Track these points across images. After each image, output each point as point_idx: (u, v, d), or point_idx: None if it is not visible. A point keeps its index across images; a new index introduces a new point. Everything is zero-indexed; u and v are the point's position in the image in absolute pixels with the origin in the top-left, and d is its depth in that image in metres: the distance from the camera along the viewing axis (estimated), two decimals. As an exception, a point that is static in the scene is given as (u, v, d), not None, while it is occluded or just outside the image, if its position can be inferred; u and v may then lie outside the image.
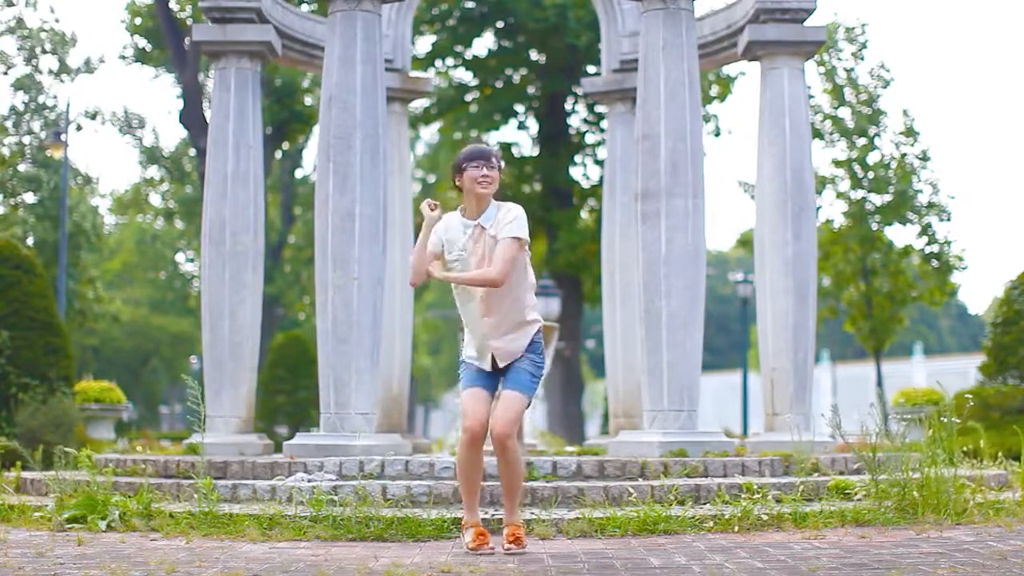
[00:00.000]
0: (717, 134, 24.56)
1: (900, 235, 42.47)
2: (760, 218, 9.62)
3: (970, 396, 7.79)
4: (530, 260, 5.19)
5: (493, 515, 5.95)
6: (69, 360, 12.46)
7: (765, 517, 5.95)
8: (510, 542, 5.00)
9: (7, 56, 27.28)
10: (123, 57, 27.72)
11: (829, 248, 22.45)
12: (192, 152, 29.07)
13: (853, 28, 23.43)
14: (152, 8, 25.17)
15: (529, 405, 5.15)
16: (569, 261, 23.37)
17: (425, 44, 24.50)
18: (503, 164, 5.13)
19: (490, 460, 7.02)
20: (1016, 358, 12.67)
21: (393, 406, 10.72)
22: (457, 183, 5.09)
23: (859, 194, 22.94)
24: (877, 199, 22.90)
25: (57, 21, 28.44)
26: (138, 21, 26.87)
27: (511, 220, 4.98)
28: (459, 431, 5.08)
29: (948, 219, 22.85)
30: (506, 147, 25.60)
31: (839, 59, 23.33)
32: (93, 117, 29.52)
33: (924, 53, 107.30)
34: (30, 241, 25.51)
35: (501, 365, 5.04)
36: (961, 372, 30.35)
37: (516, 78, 24.87)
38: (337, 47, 8.44)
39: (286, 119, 27.32)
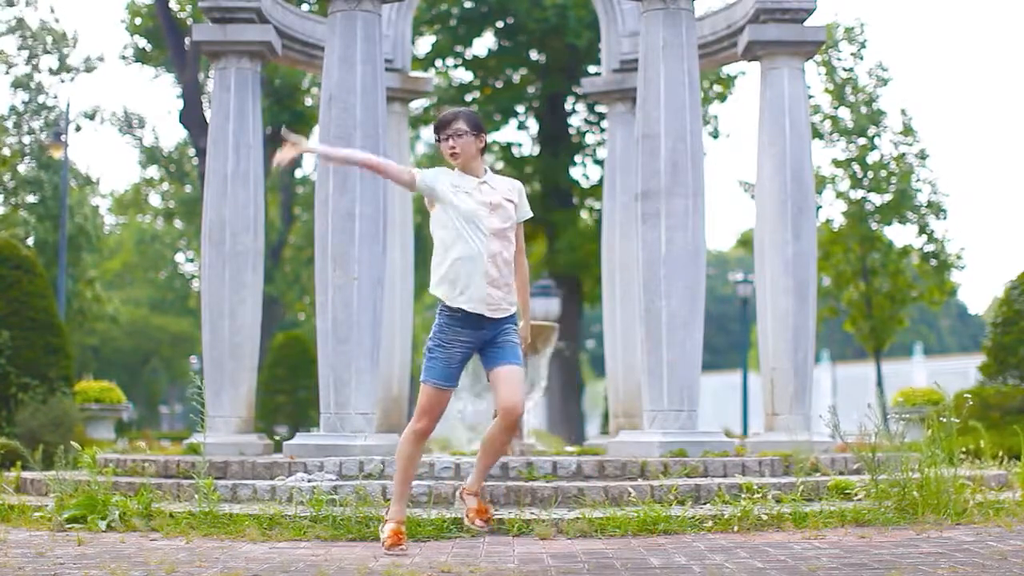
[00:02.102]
0: (715, 136, 24.57)
1: (899, 235, 42.48)
2: (760, 218, 9.62)
3: (970, 396, 7.79)
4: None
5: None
6: (69, 360, 12.46)
7: (765, 517, 5.95)
8: (483, 519, 5.05)
9: (7, 56, 27.28)
10: (123, 57, 27.72)
11: (829, 248, 22.45)
12: (192, 152, 29.07)
13: (853, 28, 23.44)
14: (152, 8, 25.18)
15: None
16: (569, 261, 23.36)
17: (425, 44, 24.50)
18: (475, 123, 5.16)
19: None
20: (1016, 358, 12.67)
21: (393, 406, 10.73)
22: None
23: (859, 194, 22.94)
24: (877, 199, 22.90)
25: (57, 21, 28.36)
26: (138, 21, 26.87)
27: (522, 199, 5.18)
28: (414, 423, 5.04)
29: (945, 217, 22.86)
30: (506, 147, 25.59)
31: (839, 59, 23.33)
32: (92, 117, 29.51)
33: (923, 53, 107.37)
34: (30, 241, 25.51)
35: (493, 316, 4.99)
36: (961, 372, 30.31)
37: (516, 78, 24.86)
38: (337, 47, 8.45)
39: (286, 119, 27.31)
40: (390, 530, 5.01)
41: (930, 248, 22.76)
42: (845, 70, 23.23)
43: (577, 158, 24.94)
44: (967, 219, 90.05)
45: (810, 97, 20.64)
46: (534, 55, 24.37)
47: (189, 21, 23.28)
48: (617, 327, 10.82)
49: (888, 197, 22.69)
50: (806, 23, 9.45)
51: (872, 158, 22.96)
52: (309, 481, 6.84)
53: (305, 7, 22.20)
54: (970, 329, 59.82)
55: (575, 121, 25.16)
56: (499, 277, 5.00)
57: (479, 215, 5.00)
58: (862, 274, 22.80)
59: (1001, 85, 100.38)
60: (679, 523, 5.85)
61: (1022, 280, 13.09)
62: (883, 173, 22.77)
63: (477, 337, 5.02)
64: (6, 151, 26.52)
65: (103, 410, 13.59)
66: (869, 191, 22.86)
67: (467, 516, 5.13)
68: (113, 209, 40.61)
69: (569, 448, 10.51)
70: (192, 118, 22.63)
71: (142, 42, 27.36)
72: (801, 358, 9.24)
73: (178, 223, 37.67)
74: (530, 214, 5.22)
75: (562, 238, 23.42)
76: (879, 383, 23.46)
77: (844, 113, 23.17)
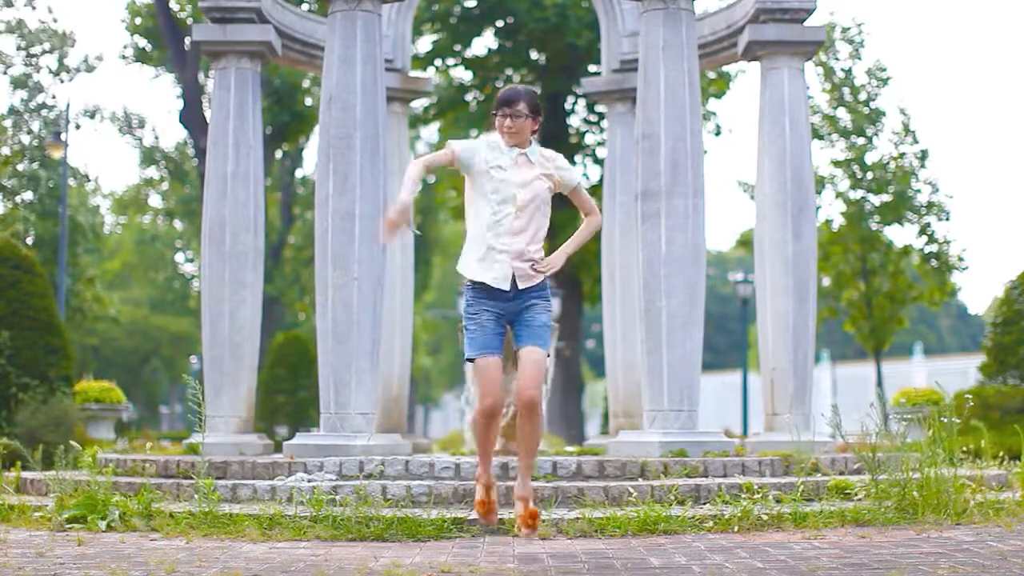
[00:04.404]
0: (718, 133, 24.55)
1: (899, 235, 42.40)
2: (760, 217, 9.62)
3: (970, 396, 7.79)
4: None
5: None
6: (69, 360, 12.46)
7: (765, 517, 5.95)
8: (527, 526, 4.92)
9: (6, 56, 27.27)
10: (123, 57, 27.72)
11: (829, 248, 22.43)
12: (192, 152, 29.07)
13: (850, 28, 23.43)
14: (152, 8, 25.17)
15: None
16: (569, 261, 23.33)
17: (425, 44, 24.50)
18: (535, 106, 5.13)
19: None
20: (1016, 358, 12.67)
21: (393, 406, 10.72)
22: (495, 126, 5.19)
23: (858, 194, 22.93)
24: (876, 199, 22.90)
25: (55, 21, 28.31)
26: (138, 21, 26.86)
27: (567, 167, 5.18)
28: (475, 404, 5.02)
29: (947, 219, 22.85)
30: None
31: (836, 59, 23.32)
32: (92, 116, 29.51)
33: (922, 52, 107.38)
34: (30, 240, 25.48)
35: (522, 286, 4.96)
36: (961, 372, 30.31)
37: (516, 78, 24.85)
38: (337, 47, 8.45)
39: (286, 119, 27.31)
40: (477, 499, 5.08)
41: (931, 249, 22.74)
42: (843, 71, 23.21)
43: (577, 158, 24.93)
44: (967, 219, 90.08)
45: (809, 97, 20.63)
46: (534, 55, 24.36)
47: (189, 21, 23.27)
48: (617, 327, 10.82)
49: (888, 197, 22.68)
50: (806, 23, 9.45)
51: (871, 158, 22.95)
52: (309, 481, 6.84)
53: (305, 7, 22.19)
54: (970, 329, 59.81)
55: (575, 121, 25.16)
56: (526, 251, 4.96)
57: (510, 191, 4.96)
58: (862, 274, 22.79)
59: (1001, 85, 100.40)
60: (679, 523, 5.85)
61: (1022, 280, 13.10)
62: (882, 173, 22.76)
63: (504, 307, 4.98)
64: (6, 151, 26.49)
65: (103, 410, 13.58)
66: (869, 191, 22.85)
67: (517, 526, 5.03)
68: (113, 209, 40.60)
69: (569, 448, 10.51)
70: (192, 118, 22.62)
71: (142, 42, 27.35)
72: (801, 358, 9.24)
73: (178, 223, 37.66)
74: (577, 179, 5.17)
75: (562, 237, 23.40)
76: (879, 383, 23.45)
77: (842, 113, 23.16)
